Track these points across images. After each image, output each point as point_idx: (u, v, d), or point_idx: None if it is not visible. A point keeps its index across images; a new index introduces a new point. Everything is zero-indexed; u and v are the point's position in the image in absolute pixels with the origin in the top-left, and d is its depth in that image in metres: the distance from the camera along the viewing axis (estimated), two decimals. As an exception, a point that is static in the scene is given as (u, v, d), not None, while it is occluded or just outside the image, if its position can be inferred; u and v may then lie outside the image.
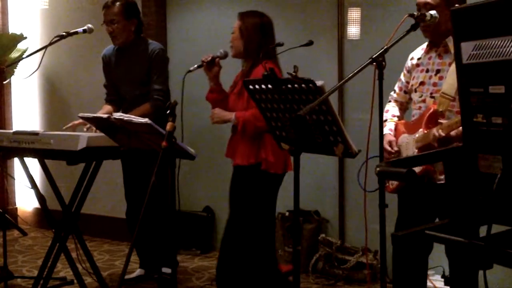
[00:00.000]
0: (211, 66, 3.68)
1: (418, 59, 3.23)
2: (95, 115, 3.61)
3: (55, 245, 3.89)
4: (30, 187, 4.00)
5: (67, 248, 3.89)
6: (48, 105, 6.20)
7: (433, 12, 2.87)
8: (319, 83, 2.53)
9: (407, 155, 3.07)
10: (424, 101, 3.12)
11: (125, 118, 3.18)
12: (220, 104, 3.72)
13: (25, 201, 6.32)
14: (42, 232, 5.90)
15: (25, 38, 5.83)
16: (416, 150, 3.04)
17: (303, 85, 2.56)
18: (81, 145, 3.45)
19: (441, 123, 2.95)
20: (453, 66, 3.00)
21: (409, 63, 3.30)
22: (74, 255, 3.92)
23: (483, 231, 1.63)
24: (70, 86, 6.00)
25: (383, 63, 2.57)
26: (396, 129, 3.26)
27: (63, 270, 4.59)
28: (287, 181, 3.68)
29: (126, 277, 4.36)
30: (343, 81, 2.60)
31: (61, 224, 3.88)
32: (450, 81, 2.99)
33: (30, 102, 6.29)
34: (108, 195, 5.52)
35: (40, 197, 4.00)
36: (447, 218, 1.86)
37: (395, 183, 3.16)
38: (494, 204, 1.62)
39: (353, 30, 4.49)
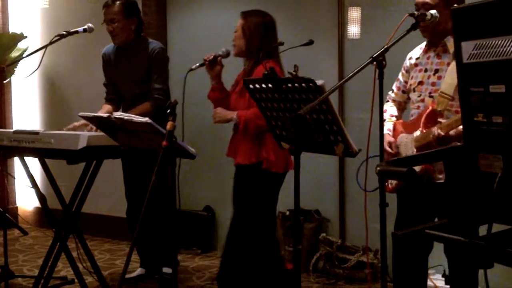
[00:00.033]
0: (213, 64, 3.68)
1: (417, 58, 3.23)
2: (95, 114, 3.61)
3: (56, 245, 3.89)
4: (31, 186, 4.00)
5: (67, 247, 3.89)
6: (49, 104, 6.20)
7: (433, 11, 2.87)
8: (319, 82, 2.53)
9: (406, 155, 3.07)
10: (423, 100, 3.12)
11: (125, 117, 3.18)
12: (221, 103, 3.73)
13: (26, 200, 6.32)
14: (42, 232, 5.90)
15: (25, 37, 5.83)
16: (415, 150, 3.04)
17: (303, 85, 2.56)
18: (82, 144, 3.45)
19: (440, 122, 2.95)
20: (452, 65, 3.00)
21: (407, 62, 3.30)
22: (74, 254, 3.92)
23: (483, 230, 1.63)
24: (71, 86, 6.01)
25: (384, 62, 2.57)
26: (394, 129, 3.26)
27: (63, 269, 4.59)
28: (288, 180, 3.68)
29: (127, 276, 4.36)
30: (343, 80, 2.60)
31: (62, 223, 3.88)
32: (448, 81, 2.99)
33: (31, 102, 6.30)
34: (109, 194, 5.53)
35: (41, 196, 4.00)
36: (446, 218, 1.86)
37: (394, 182, 3.16)
38: (495, 204, 1.62)
39: (354, 30, 4.49)
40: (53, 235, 3.96)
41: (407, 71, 3.29)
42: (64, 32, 3.97)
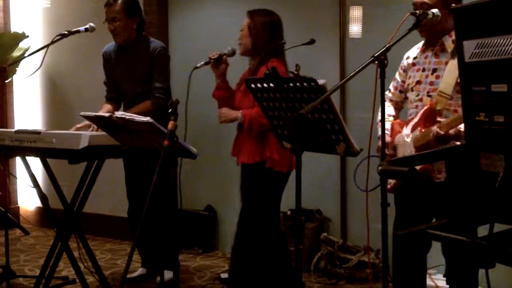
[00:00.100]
0: (218, 63, 3.69)
1: (414, 58, 3.23)
2: (96, 114, 3.61)
3: (57, 244, 3.89)
4: (32, 186, 4.00)
5: (69, 247, 3.89)
6: (50, 104, 6.20)
7: (435, 10, 2.87)
8: (320, 81, 2.52)
9: (404, 155, 3.07)
10: (421, 100, 3.12)
11: (127, 117, 3.18)
12: (226, 101, 3.74)
13: (27, 200, 6.33)
14: (44, 231, 5.90)
15: (27, 36, 5.84)
16: (414, 149, 3.03)
17: (305, 84, 2.56)
18: (83, 144, 3.45)
19: (439, 122, 2.94)
20: (450, 65, 3.01)
21: (404, 62, 3.30)
22: (76, 254, 3.93)
23: (484, 230, 1.63)
24: (72, 85, 6.01)
25: (385, 61, 2.57)
26: (392, 128, 3.25)
27: (65, 269, 4.59)
28: (289, 180, 3.69)
29: (128, 276, 4.36)
30: (344, 79, 2.59)
31: (63, 223, 3.88)
32: (447, 80, 2.99)
33: (32, 101, 6.30)
34: (110, 194, 5.53)
35: (42, 196, 4.00)
36: (445, 217, 1.86)
37: (392, 182, 3.16)
38: (497, 203, 1.61)
39: (355, 29, 4.49)
40: (54, 235, 3.96)
41: (405, 71, 3.29)
42: (66, 32, 3.96)
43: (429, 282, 3.92)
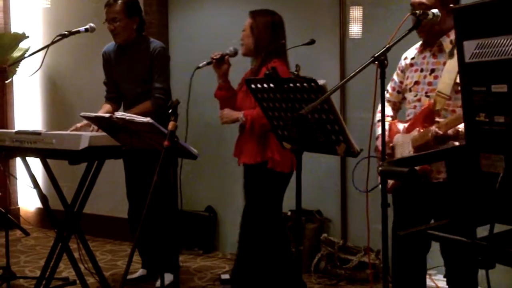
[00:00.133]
0: (221, 63, 3.70)
1: (412, 58, 3.23)
2: (97, 114, 3.61)
3: (58, 245, 3.89)
4: (32, 187, 4.00)
5: (69, 248, 3.89)
6: (50, 104, 6.20)
7: (435, 10, 2.87)
8: (321, 82, 2.52)
9: (402, 155, 3.07)
10: (419, 100, 3.12)
11: (127, 118, 3.18)
12: (228, 101, 3.74)
13: (28, 201, 6.32)
14: (44, 232, 5.90)
15: (27, 37, 5.84)
16: (412, 150, 3.03)
17: (305, 84, 2.56)
18: (83, 144, 3.44)
19: (438, 122, 2.94)
20: (448, 65, 3.01)
21: (402, 62, 3.30)
22: (76, 255, 3.92)
23: (484, 230, 1.62)
24: (72, 85, 6.01)
25: (385, 62, 2.57)
26: (390, 129, 3.25)
27: (65, 270, 4.58)
28: (290, 180, 3.69)
29: (128, 277, 4.36)
30: (345, 80, 2.59)
31: (64, 224, 3.88)
32: (445, 80, 2.99)
33: (32, 102, 6.30)
34: (110, 194, 5.52)
35: (42, 197, 4.00)
36: (444, 217, 1.85)
37: (390, 182, 3.16)
38: (497, 204, 1.61)
39: (355, 29, 4.49)
40: (54, 236, 3.96)
41: (402, 71, 3.29)
42: (66, 32, 3.97)
43: (429, 282, 3.92)
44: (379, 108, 3.36)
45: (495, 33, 1.57)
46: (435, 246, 3.23)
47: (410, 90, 3.19)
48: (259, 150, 3.58)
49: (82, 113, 3.60)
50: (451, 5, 3.00)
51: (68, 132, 3.84)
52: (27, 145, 3.66)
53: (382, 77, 2.60)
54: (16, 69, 5.82)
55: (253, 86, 2.88)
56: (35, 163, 4.10)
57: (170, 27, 5.49)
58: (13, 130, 4.09)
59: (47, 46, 3.95)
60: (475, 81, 1.65)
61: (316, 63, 4.57)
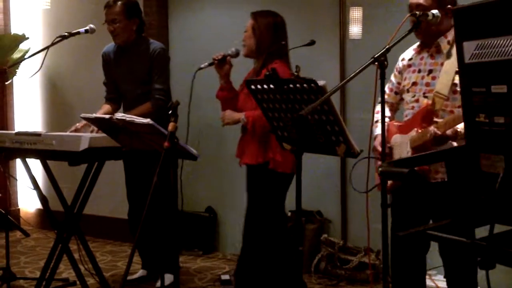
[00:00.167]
0: (222, 64, 3.70)
1: (409, 59, 3.24)
2: (97, 115, 3.61)
3: (58, 246, 3.89)
4: (33, 188, 4.00)
5: (69, 249, 3.89)
6: (50, 105, 6.20)
7: (435, 11, 2.87)
8: (321, 83, 2.53)
9: (400, 155, 3.08)
10: (417, 101, 3.12)
11: (127, 119, 3.18)
12: (230, 102, 3.75)
13: (28, 202, 6.32)
14: (44, 233, 5.90)
15: (27, 38, 5.84)
16: (410, 150, 3.04)
17: (305, 85, 2.56)
18: (83, 145, 3.45)
19: (436, 122, 2.95)
20: (446, 65, 3.02)
21: (400, 64, 3.30)
22: (76, 256, 3.92)
23: (484, 231, 1.62)
24: (72, 87, 6.01)
25: (385, 62, 2.57)
26: (388, 129, 3.25)
27: (65, 271, 4.58)
28: (292, 181, 3.69)
29: (129, 278, 4.35)
30: (345, 81, 2.60)
31: (64, 225, 3.88)
32: (443, 81, 3.00)
33: (32, 103, 6.30)
34: (110, 195, 5.52)
35: (43, 198, 4.00)
36: (443, 217, 1.86)
37: (389, 183, 3.16)
38: (497, 204, 1.61)
39: (355, 30, 4.49)
40: (55, 237, 3.96)
41: (400, 72, 3.29)
42: (66, 33, 3.97)
43: (429, 283, 3.92)
44: (377, 108, 3.38)
45: (494, 33, 1.58)
46: (435, 246, 3.22)
47: (408, 91, 3.19)
48: (261, 151, 3.59)
49: (82, 114, 3.60)
50: (449, 6, 3.01)
51: (68, 133, 3.84)
52: (27, 146, 3.66)
53: (382, 78, 2.61)
54: (16, 70, 5.82)
55: (253, 87, 2.88)
56: (35, 164, 4.10)
57: (170, 28, 5.50)
58: (13, 131, 4.09)
59: (47, 48, 3.95)
60: (475, 82, 1.65)
61: (316, 64, 4.57)
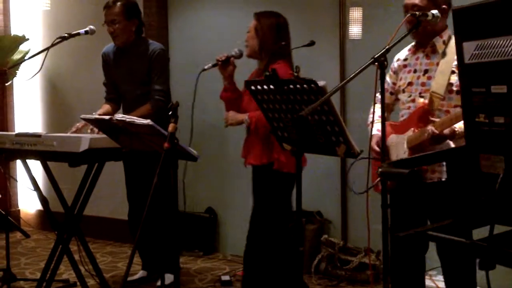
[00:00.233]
0: (226, 65, 3.70)
1: (405, 59, 3.24)
2: (97, 116, 3.61)
3: (58, 247, 3.89)
4: (33, 189, 4.00)
5: (69, 250, 3.89)
6: (51, 106, 6.20)
7: (434, 11, 2.87)
8: (321, 83, 2.53)
9: (397, 155, 3.08)
10: (413, 101, 3.12)
11: (127, 119, 3.18)
12: (234, 103, 3.75)
13: (28, 203, 6.32)
14: (44, 234, 5.90)
15: (27, 39, 5.84)
16: (407, 150, 3.03)
17: (305, 86, 2.56)
18: (83, 146, 3.45)
19: (433, 121, 2.95)
20: (442, 65, 3.02)
21: (395, 64, 3.31)
22: (76, 257, 3.92)
23: (485, 231, 1.62)
24: (72, 88, 6.01)
25: (385, 63, 2.57)
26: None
27: (65, 272, 4.58)
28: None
29: (129, 279, 4.36)
30: (344, 81, 2.59)
31: (64, 226, 3.88)
32: (439, 81, 3.00)
33: (33, 104, 6.30)
34: (111, 196, 5.52)
35: (43, 199, 4.00)
36: (440, 218, 1.86)
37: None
38: (497, 205, 1.61)
39: (355, 30, 4.49)
40: (55, 238, 3.96)
41: (395, 73, 3.30)
42: (66, 34, 3.97)
43: (430, 283, 3.92)
44: (372, 109, 3.38)
45: (494, 34, 1.58)
46: (435, 246, 3.22)
47: (403, 91, 3.19)
48: (265, 151, 3.59)
49: (82, 115, 3.60)
50: (444, 6, 3.01)
51: (68, 134, 3.84)
52: (27, 147, 3.66)
53: (382, 78, 2.60)
54: (16, 71, 5.82)
55: (253, 87, 2.88)
56: (36, 165, 4.10)
57: (170, 29, 5.50)
58: (13, 133, 4.09)
59: (47, 49, 3.96)
60: (475, 82, 1.65)
61: (316, 64, 4.57)
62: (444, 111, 3.01)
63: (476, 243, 1.61)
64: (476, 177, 1.73)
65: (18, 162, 4.70)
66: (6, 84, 5.98)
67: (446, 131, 2.89)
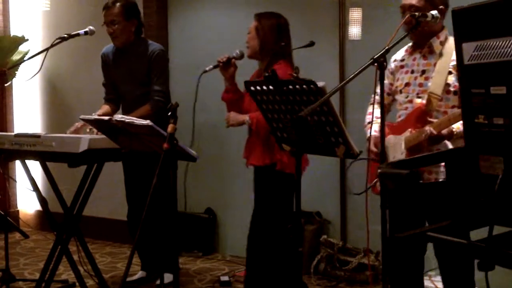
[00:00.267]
0: (227, 66, 3.70)
1: (402, 60, 3.24)
2: (96, 117, 3.61)
3: (57, 248, 3.89)
4: (32, 189, 4.00)
5: (68, 250, 3.89)
6: (50, 107, 6.20)
7: (434, 12, 2.87)
8: (320, 84, 2.53)
9: (394, 156, 3.07)
10: (411, 101, 3.12)
11: (127, 120, 3.18)
12: (235, 104, 3.75)
13: (27, 203, 6.32)
14: (43, 235, 5.90)
15: (27, 40, 5.84)
16: (405, 151, 3.03)
17: (304, 86, 2.56)
18: (83, 147, 3.45)
19: (431, 122, 2.95)
20: (439, 66, 3.02)
21: (392, 65, 3.31)
22: (75, 257, 3.92)
23: (484, 232, 1.62)
24: (72, 88, 6.01)
25: (384, 63, 2.57)
26: (380, 130, 3.24)
27: (65, 272, 4.58)
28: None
29: (128, 279, 4.36)
30: (344, 82, 2.59)
31: (63, 227, 3.88)
32: (437, 81, 3.01)
33: (32, 105, 6.30)
34: (110, 197, 5.52)
35: (42, 200, 3.99)
36: (438, 218, 1.86)
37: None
38: (496, 206, 1.61)
39: (354, 31, 4.49)
40: (54, 238, 3.96)
41: (392, 73, 3.29)
42: (66, 35, 3.97)
43: (429, 284, 3.92)
44: (369, 110, 3.38)
45: (494, 35, 1.58)
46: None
47: (400, 92, 3.20)
48: (267, 152, 3.59)
49: (82, 116, 3.60)
50: (441, 6, 3.01)
51: (67, 135, 3.84)
52: (27, 148, 3.66)
53: (381, 79, 2.61)
54: (16, 72, 5.82)
55: (252, 88, 2.88)
56: (35, 166, 4.10)
57: (170, 29, 5.50)
58: (13, 133, 4.09)
59: (46, 49, 3.95)
60: (474, 83, 1.65)
61: (315, 65, 4.57)
62: (442, 112, 3.02)
63: (475, 244, 1.61)
64: (475, 178, 1.73)
65: (17, 163, 4.71)
66: (6, 85, 5.98)
67: (444, 131, 2.89)
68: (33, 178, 3.99)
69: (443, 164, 2.93)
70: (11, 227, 4.12)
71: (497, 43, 1.56)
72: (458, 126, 2.87)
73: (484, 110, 1.63)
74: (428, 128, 2.90)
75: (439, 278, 3.96)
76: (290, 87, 2.63)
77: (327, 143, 2.66)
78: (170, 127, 2.90)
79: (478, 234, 1.72)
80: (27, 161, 3.96)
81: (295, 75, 2.63)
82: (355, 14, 4.47)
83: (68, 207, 3.90)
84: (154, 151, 3.24)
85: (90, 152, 3.48)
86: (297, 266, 3.73)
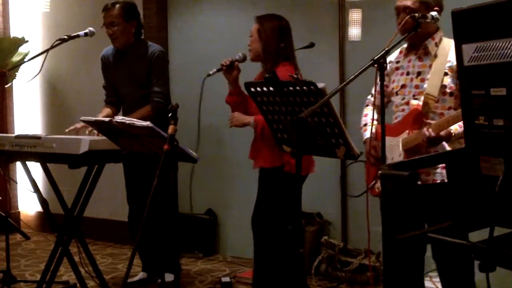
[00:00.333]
0: (231, 70, 3.70)
1: (397, 62, 3.25)
2: (97, 118, 3.62)
3: (58, 249, 3.89)
4: (33, 191, 4.00)
5: (69, 251, 3.89)
6: (50, 108, 6.20)
7: (434, 13, 2.87)
8: (320, 85, 2.53)
9: (392, 158, 3.07)
10: (407, 103, 3.12)
11: (127, 122, 3.18)
12: (239, 106, 3.75)
13: (28, 205, 6.32)
14: (44, 236, 5.90)
15: (27, 41, 5.84)
16: (403, 153, 3.03)
17: (304, 87, 2.56)
18: (83, 148, 3.45)
19: (427, 123, 2.95)
20: (435, 67, 3.02)
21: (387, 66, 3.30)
22: (76, 258, 3.92)
23: (485, 233, 1.62)
24: (72, 90, 6.01)
25: (384, 64, 2.57)
26: (376, 132, 3.24)
27: (65, 274, 4.58)
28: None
29: (129, 280, 4.35)
30: (344, 83, 2.60)
31: (64, 228, 3.88)
32: (433, 82, 3.01)
33: (32, 106, 6.30)
34: (110, 198, 5.53)
35: (43, 201, 4.00)
36: (437, 219, 1.86)
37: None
38: (497, 207, 1.61)
39: (354, 32, 4.49)
40: (55, 240, 3.96)
41: (387, 75, 3.29)
42: (65, 36, 3.98)
43: (430, 284, 3.92)
44: (365, 111, 3.38)
45: (493, 36, 1.58)
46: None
47: (396, 94, 3.20)
48: (276, 154, 3.57)
49: (82, 118, 3.60)
50: (436, 8, 3.01)
51: (68, 136, 3.84)
52: (27, 149, 3.67)
53: (381, 80, 2.61)
54: (16, 73, 5.82)
55: (252, 89, 2.88)
56: (35, 167, 4.10)
57: (170, 30, 5.50)
58: (13, 135, 4.09)
59: (46, 51, 3.96)
60: (474, 85, 1.65)
61: (315, 66, 4.57)
62: (438, 113, 3.02)
63: (476, 245, 1.61)
64: (476, 179, 1.73)
65: (18, 164, 4.70)
66: (6, 86, 5.98)
67: (442, 133, 2.89)
68: (33, 180, 4.00)
69: (440, 165, 2.93)
70: (12, 229, 4.10)
71: (497, 45, 1.56)
72: (456, 128, 2.87)
73: (484, 111, 1.63)
74: (425, 130, 2.90)
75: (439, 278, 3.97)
76: (291, 88, 2.63)
77: (328, 144, 2.66)
78: (170, 128, 2.91)
79: (479, 235, 1.72)
80: (27, 163, 3.96)
81: (295, 76, 2.63)
82: (355, 15, 4.47)
83: (69, 208, 3.90)
84: (155, 152, 3.24)
85: (91, 153, 3.48)
86: (300, 268, 3.75)
